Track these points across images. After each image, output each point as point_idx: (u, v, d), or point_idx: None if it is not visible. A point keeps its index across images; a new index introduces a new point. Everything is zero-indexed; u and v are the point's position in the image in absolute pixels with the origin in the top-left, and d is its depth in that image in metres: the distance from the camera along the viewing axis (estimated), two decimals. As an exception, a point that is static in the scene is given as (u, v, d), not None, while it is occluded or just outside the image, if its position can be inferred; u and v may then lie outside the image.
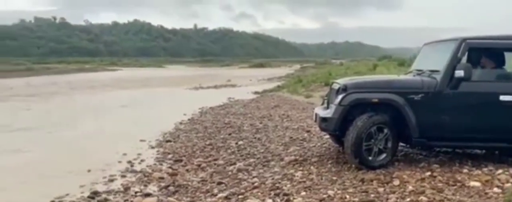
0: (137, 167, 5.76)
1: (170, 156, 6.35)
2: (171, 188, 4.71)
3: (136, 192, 4.64)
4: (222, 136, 7.64)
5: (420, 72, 5.12)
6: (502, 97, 4.52)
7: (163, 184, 4.85)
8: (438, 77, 4.64)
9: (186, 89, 20.54)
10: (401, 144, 5.07)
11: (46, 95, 17.55)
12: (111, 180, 5.18)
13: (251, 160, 5.68)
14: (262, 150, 6.21)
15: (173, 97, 16.71)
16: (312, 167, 4.99)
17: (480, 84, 4.68)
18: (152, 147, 7.08)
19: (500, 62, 4.95)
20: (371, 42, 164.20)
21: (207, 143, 7.08)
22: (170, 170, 5.46)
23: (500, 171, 4.34)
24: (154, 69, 51.48)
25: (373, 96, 4.64)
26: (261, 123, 8.96)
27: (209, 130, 8.43)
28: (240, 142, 6.94)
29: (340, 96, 4.69)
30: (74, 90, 20.35)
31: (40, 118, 11.08)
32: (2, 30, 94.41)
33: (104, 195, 4.57)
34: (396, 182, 4.18)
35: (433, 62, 5.06)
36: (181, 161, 5.98)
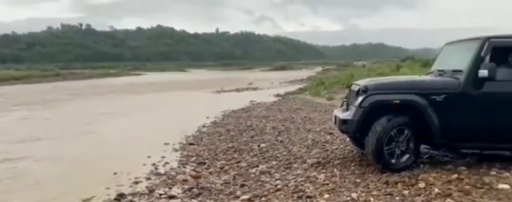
0: (161, 170, 5.84)
1: (193, 158, 6.41)
2: (194, 190, 4.75)
3: (160, 194, 4.70)
4: (244, 139, 7.66)
5: (441, 72, 5.03)
6: None
7: (186, 187, 4.90)
8: (461, 77, 4.55)
9: (208, 93, 20.71)
10: (426, 146, 4.99)
11: (69, 100, 18.02)
12: (136, 183, 5.27)
13: (274, 162, 5.68)
14: (284, 153, 6.20)
15: (196, 101, 16.88)
16: (335, 170, 4.96)
17: (505, 84, 4.55)
18: (176, 150, 7.17)
19: None
20: (394, 44, 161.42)
21: (230, 145, 7.12)
22: (193, 173, 5.51)
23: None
24: (177, 73, 52.11)
25: (395, 97, 4.56)
26: (283, 126, 8.95)
27: (231, 132, 8.48)
28: (263, 145, 6.95)
29: (360, 98, 4.62)
30: (98, 95, 20.80)
31: (68, 121, 11.38)
32: (32, 37, 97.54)
33: (129, 197, 4.66)
34: (422, 185, 4.10)
35: (456, 62, 4.97)
36: (204, 163, 6.03)
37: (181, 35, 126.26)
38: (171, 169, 5.86)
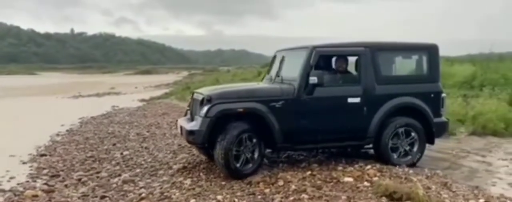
0: (6, 186, 5.13)
1: (45, 171, 5.79)
2: (47, 206, 4.30)
3: (4, 214, 4.14)
4: (105, 147, 7.22)
5: (276, 79, 5.26)
6: (350, 100, 4.97)
7: (37, 203, 4.41)
8: (295, 84, 4.86)
9: (64, 98, 18.99)
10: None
11: None
12: (-27, 203, 4.54)
13: (138, 170, 5.48)
14: (149, 159, 6.03)
15: (49, 107, 15.28)
16: (201, 174, 5.01)
17: (331, 89, 5.00)
18: (24, 163, 6.38)
19: (346, 67, 5.37)
20: (256, 50, 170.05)
21: (89, 155, 6.64)
22: (45, 187, 4.98)
23: (369, 166, 4.84)
24: (26, 77, 46.54)
25: (238, 106, 4.67)
26: (148, 131, 8.70)
27: (90, 140, 7.91)
28: (126, 152, 6.64)
29: (205, 108, 4.63)
30: None
31: None
32: None
33: (-37, 221, 3.99)
34: (281, 183, 4.41)
35: (289, 70, 5.22)
36: (58, 176, 5.50)
37: (29, 34, 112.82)
38: (18, 184, 5.19)
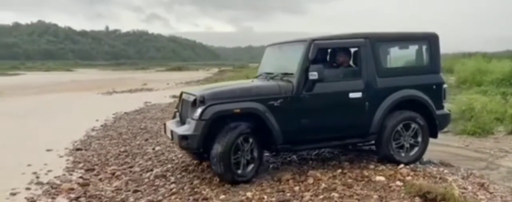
0: (44, 179, 5.34)
1: (81, 165, 5.98)
2: (82, 199, 4.45)
3: (42, 206, 4.30)
4: (138, 142, 7.38)
5: (271, 75, 4.95)
6: (351, 95, 4.68)
7: (73, 196, 4.56)
8: (294, 80, 4.56)
9: (99, 94, 19.52)
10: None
11: None
12: (14, 194, 4.74)
13: (169, 165, 5.57)
14: (180, 155, 6.11)
15: (84, 103, 15.75)
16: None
17: (332, 84, 4.68)
18: (61, 157, 6.61)
19: (348, 60, 5.09)
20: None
21: (122, 149, 6.80)
22: (81, 180, 5.15)
23: (402, 166, 4.73)
24: (63, 73, 48.18)
25: (234, 106, 4.33)
26: (179, 127, 8.81)
27: (124, 136, 8.10)
28: (158, 148, 6.76)
29: (199, 110, 4.26)
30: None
31: None
32: None
33: (4, 211, 4.18)
34: (311, 180, 4.37)
35: (284, 65, 4.97)
36: (93, 170, 5.67)
37: (66, 32, 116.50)
38: (55, 177, 5.39)
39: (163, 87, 24.39)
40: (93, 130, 9.11)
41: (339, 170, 4.66)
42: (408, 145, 4.93)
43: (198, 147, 4.30)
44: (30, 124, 10.44)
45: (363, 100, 4.72)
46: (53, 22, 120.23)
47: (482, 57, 17.14)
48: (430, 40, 5.14)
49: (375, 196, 3.83)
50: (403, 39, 5.30)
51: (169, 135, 4.83)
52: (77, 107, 14.46)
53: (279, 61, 5.14)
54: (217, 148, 4.23)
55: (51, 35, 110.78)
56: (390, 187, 4.09)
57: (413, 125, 4.90)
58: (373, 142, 4.94)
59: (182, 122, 4.76)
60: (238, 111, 4.32)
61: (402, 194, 3.85)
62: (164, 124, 5.22)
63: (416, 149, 4.95)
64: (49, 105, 14.95)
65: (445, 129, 7.07)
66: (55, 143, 7.50)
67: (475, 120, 7.24)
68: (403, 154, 4.90)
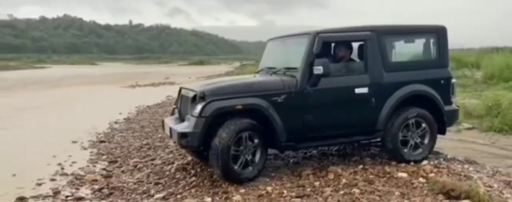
0: (68, 170, 5.46)
1: (104, 157, 6.09)
2: (105, 190, 4.53)
3: (66, 196, 4.40)
4: (160, 135, 7.46)
5: (273, 70, 4.78)
6: (357, 90, 4.50)
7: (96, 187, 4.66)
8: (298, 75, 4.37)
9: (122, 88, 19.84)
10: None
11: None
12: (39, 184, 4.86)
13: (190, 158, 5.60)
14: (201, 148, 6.15)
15: (108, 96, 16.05)
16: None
17: (338, 79, 4.49)
18: (85, 148, 6.76)
19: (348, 54, 4.89)
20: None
21: (144, 142, 6.90)
22: (104, 172, 5.25)
23: (425, 162, 4.64)
24: (87, 67, 49.17)
25: (236, 102, 4.14)
26: (200, 121, 8.86)
27: (146, 129, 8.21)
28: (179, 141, 6.82)
29: (199, 106, 4.09)
30: (-4, 90, 18.87)
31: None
32: None
33: (31, 200, 4.29)
34: (331, 176, 4.33)
35: (288, 59, 4.80)
36: (116, 162, 5.77)
37: (91, 26, 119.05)
38: (79, 168, 5.51)
39: (185, 81, 24.58)
40: (116, 122, 9.27)
41: (361, 166, 4.60)
42: (415, 142, 4.75)
43: (199, 145, 4.14)
44: (55, 116, 10.70)
45: (369, 96, 4.53)
46: (78, 16, 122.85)
47: (510, 52, 16.60)
48: (438, 33, 4.94)
49: (397, 193, 3.77)
50: (410, 32, 5.09)
51: (167, 132, 4.68)
52: (101, 100, 14.74)
53: (282, 55, 5.01)
54: (217, 146, 4.06)
55: (76, 29, 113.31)
56: (412, 183, 4.01)
57: (421, 122, 4.73)
58: (379, 139, 4.77)
59: (181, 119, 4.62)
60: (240, 107, 4.15)
61: (425, 191, 3.77)
62: (163, 121, 5.08)
63: (423, 146, 4.77)
64: (74, 98, 15.28)
65: (470, 126, 6.92)
66: (79, 135, 7.67)
67: (502, 117, 7.02)
68: (410, 152, 4.73)
